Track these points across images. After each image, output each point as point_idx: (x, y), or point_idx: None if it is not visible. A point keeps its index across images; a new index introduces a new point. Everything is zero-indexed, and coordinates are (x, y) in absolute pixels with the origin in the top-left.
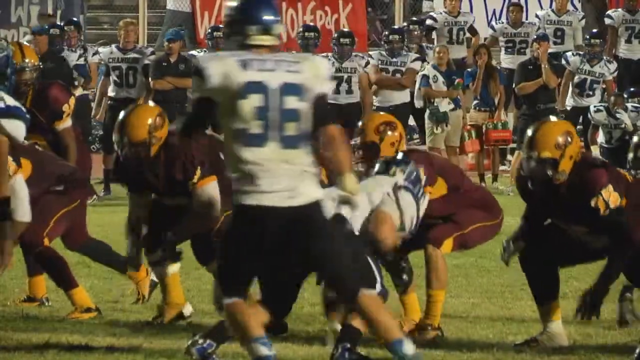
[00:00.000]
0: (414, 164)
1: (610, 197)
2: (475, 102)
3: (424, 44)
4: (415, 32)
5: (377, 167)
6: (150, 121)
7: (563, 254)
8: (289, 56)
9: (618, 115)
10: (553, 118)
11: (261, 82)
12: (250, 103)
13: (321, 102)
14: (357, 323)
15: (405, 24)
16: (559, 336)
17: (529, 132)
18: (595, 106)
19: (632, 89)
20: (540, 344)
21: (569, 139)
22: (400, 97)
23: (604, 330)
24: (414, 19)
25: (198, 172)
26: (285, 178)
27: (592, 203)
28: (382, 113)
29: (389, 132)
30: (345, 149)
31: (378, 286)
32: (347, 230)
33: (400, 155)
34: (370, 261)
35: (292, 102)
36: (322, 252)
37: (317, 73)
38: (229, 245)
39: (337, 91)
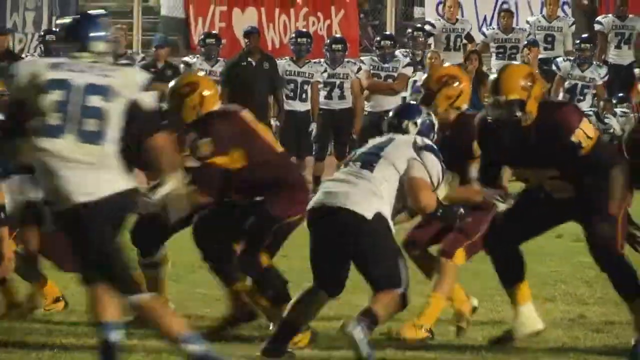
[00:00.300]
0: (425, 111)
1: (587, 129)
2: (466, 107)
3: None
4: (420, 39)
5: (389, 119)
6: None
7: (528, 225)
8: (105, 66)
9: (607, 120)
10: (515, 62)
11: (66, 80)
12: (52, 97)
13: (138, 110)
14: (377, 307)
15: (410, 30)
16: (532, 319)
17: (493, 77)
18: (584, 111)
19: (620, 95)
20: (516, 334)
21: (533, 80)
22: (392, 102)
23: (593, 333)
24: (419, 25)
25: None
26: (81, 171)
27: (574, 139)
28: (451, 65)
29: (450, 85)
30: (172, 156)
31: (402, 289)
32: (381, 232)
33: (411, 104)
34: (400, 262)
35: (95, 100)
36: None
37: (128, 80)
38: (84, 242)
39: (329, 97)
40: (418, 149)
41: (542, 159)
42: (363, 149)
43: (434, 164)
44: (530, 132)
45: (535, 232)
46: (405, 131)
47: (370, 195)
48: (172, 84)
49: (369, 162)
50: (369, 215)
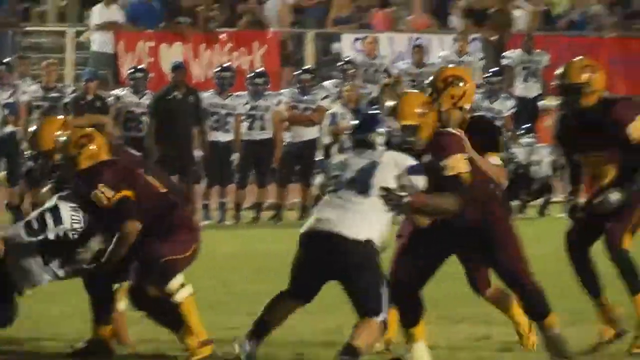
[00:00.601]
0: (382, 119)
1: (459, 163)
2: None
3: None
4: (350, 71)
5: (353, 135)
6: (54, 132)
7: (426, 268)
8: None
9: (513, 150)
10: (413, 90)
11: None
12: None
13: None
14: (358, 342)
15: (340, 63)
16: (424, 355)
17: (391, 103)
18: None
19: (527, 126)
20: None
21: (428, 109)
22: (310, 133)
23: (497, 353)
24: (349, 58)
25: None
26: None
27: (446, 164)
28: (455, 67)
29: (454, 85)
30: None
31: (381, 318)
32: (369, 259)
33: (371, 115)
34: (383, 291)
35: None
36: None
37: None
38: None
39: (251, 128)
40: (407, 172)
41: (432, 183)
42: (349, 174)
43: (422, 182)
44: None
45: (434, 270)
46: (372, 145)
47: (363, 221)
48: (65, 137)
49: (362, 188)
50: (361, 239)
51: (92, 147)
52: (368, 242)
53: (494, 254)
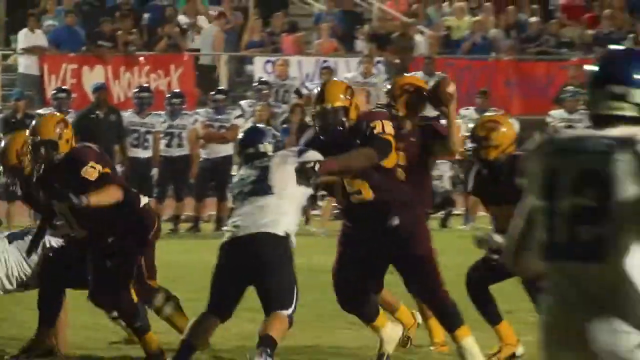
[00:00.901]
0: (268, 129)
1: (386, 126)
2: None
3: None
4: (264, 92)
5: (244, 152)
6: (17, 147)
7: (365, 273)
8: None
9: None
10: (335, 78)
11: None
12: None
13: None
14: (274, 333)
15: (255, 83)
16: (390, 340)
17: (318, 90)
18: None
19: None
20: (388, 351)
21: (352, 93)
22: (225, 149)
23: (408, 356)
24: (264, 79)
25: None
26: None
27: (372, 125)
28: (411, 75)
29: (408, 93)
30: None
31: (290, 311)
32: (286, 254)
33: (252, 131)
34: (295, 288)
35: None
36: None
37: None
38: None
39: (169, 145)
40: (297, 156)
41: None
42: (249, 187)
43: (314, 155)
44: (345, 134)
45: (373, 275)
46: (263, 154)
47: (275, 215)
48: (40, 124)
49: (264, 189)
50: (279, 232)
51: (68, 132)
52: (285, 236)
53: (415, 266)
